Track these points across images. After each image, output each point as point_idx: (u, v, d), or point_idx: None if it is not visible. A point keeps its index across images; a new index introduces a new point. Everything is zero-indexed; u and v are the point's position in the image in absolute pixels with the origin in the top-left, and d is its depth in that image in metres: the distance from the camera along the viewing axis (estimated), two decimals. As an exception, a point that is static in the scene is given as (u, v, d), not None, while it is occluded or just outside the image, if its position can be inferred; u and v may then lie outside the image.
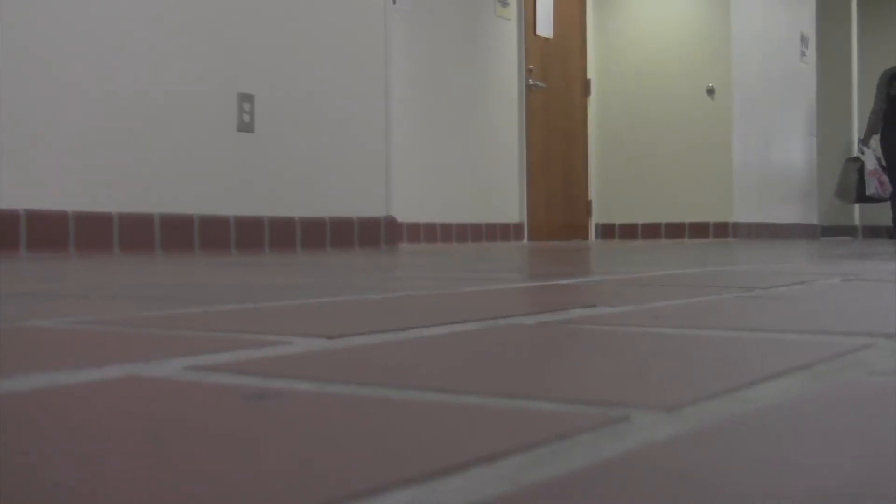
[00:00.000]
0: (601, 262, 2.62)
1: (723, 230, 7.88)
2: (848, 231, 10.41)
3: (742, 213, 8.01)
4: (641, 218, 8.09)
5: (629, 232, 8.14)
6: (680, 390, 0.52)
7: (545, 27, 7.55)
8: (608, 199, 8.17)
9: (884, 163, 8.63)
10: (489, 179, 6.92)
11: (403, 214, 5.93)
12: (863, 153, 8.62)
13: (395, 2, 5.84)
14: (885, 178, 8.61)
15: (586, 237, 8.12)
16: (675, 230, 7.98)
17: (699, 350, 0.70)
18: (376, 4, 4.89)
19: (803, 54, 9.27)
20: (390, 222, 4.90)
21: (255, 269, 2.18)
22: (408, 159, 6.11)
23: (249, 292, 1.36)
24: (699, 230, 7.93)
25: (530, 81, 7.34)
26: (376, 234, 4.79)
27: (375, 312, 1.01)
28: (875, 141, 8.83)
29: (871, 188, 8.59)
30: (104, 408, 0.48)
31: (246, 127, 4.18)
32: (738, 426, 0.43)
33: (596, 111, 8.19)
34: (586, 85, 8.09)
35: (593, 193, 8.17)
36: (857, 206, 10.48)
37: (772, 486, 0.32)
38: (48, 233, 3.42)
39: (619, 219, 8.17)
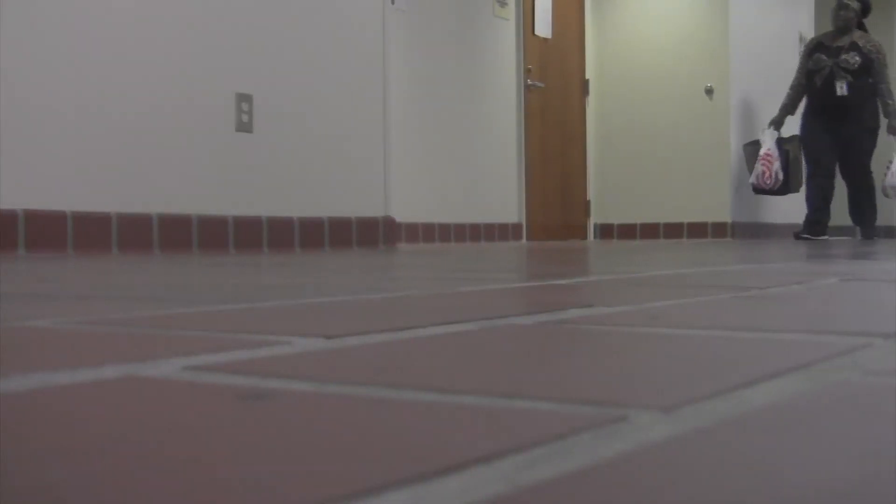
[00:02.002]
0: (599, 262, 2.62)
1: (721, 230, 7.88)
2: (846, 231, 10.41)
3: (740, 213, 8.01)
4: (640, 218, 8.09)
5: (628, 232, 8.14)
6: (677, 390, 0.52)
7: (543, 27, 7.56)
8: (606, 199, 8.17)
9: (798, 154, 7.28)
10: (487, 179, 6.92)
11: (402, 214, 5.93)
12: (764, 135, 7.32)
13: (393, 2, 5.84)
14: (775, 166, 7.17)
15: (585, 237, 8.12)
16: (674, 230, 7.99)
17: (696, 350, 0.70)
18: (375, 5, 4.88)
19: (801, 54, 9.28)
20: (389, 222, 4.90)
21: (253, 269, 2.18)
22: (406, 159, 6.11)
23: (247, 292, 1.36)
24: (697, 230, 7.93)
25: (529, 81, 7.34)
26: (375, 234, 4.79)
27: (374, 312, 1.01)
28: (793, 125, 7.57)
29: (753, 178, 7.24)
30: (102, 408, 0.48)
31: (244, 127, 4.18)
32: (735, 426, 0.43)
33: (594, 111, 8.19)
34: (585, 85, 8.09)
35: (592, 193, 8.17)
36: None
37: (769, 486, 0.32)
38: (46, 233, 3.42)
39: (618, 219, 8.17)
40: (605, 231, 8.22)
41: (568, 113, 7.89)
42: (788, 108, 7.33)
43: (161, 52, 3.85)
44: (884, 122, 7.12)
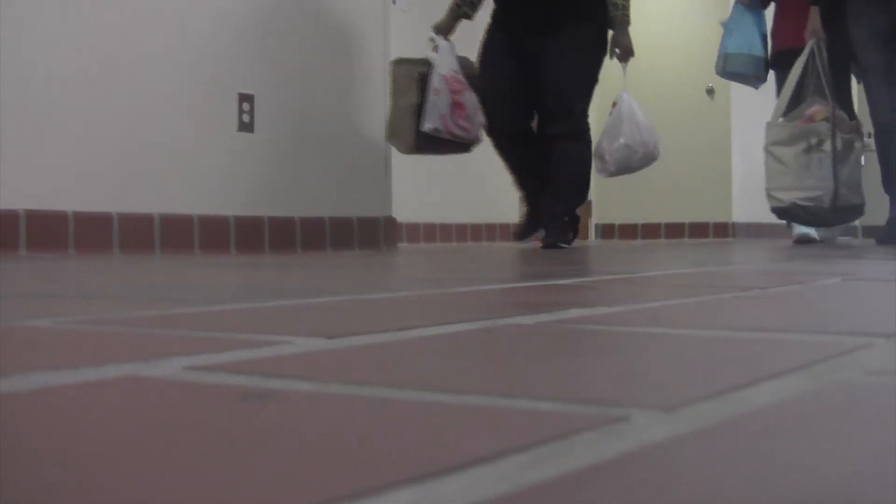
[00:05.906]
0: (600, 262, 2.62)
1: (723, 230, 7.88)
2: (847, 231, 10.40)
3: (742, 213, 8.00)
4: (641, 218, 8.08)
5: (629, 232, 8.14)
6: (679, 390, 0.52)
7: (544, 27, 7.54)
8: (608, 199, 8.16)
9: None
10: (488, 179, 6.92)
11: (403, 215, 5.93)
12: (436, 49, 4.32)
13: (394, 2, 5.84)
14: (466, 97, 4.17)
15: (585, 237, 8.12)
16: (675, 230, 7.98)
17: (697, 350, 0.70)
18: (376, 4, 4.88)
19: (802, 54, 9.26)
20: (390, 222, 4.90)
21: (254, 270, 2.18)
22: (407, 159, 6.10)
23: (249, 292, 1.36)
24: (699, 230, 7.93)
25: (529, 81, 7.32)
26: (376, 234, 4.79)
27: (375, 312, 1.01)
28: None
29: (433, 118, 4.07)
30: (103, 408, 0.48)
31: (246, 127, 4.18)
32: (736, 426, 0.43)
33: (595, 111, 8.18)
34: (586, 85, 8.09)
35: (592, 193, 8.17)
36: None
37: (769, 486, 0.32)
38: (48, 233, 3.42)
39: (619, 219, 8.16)
40: (607, 231, 8.22)
41: (569, 113, 7.88)
42: (463, 7, 4.48)
43: (163, 52, 3.85)
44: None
